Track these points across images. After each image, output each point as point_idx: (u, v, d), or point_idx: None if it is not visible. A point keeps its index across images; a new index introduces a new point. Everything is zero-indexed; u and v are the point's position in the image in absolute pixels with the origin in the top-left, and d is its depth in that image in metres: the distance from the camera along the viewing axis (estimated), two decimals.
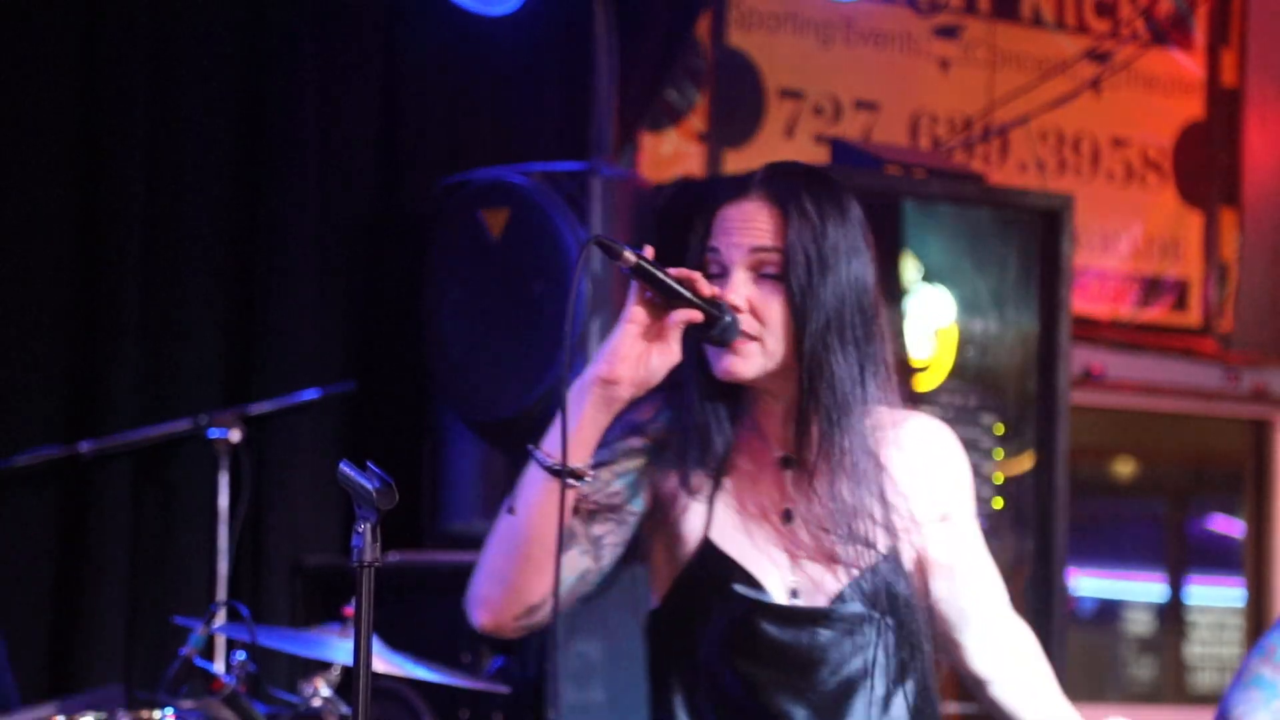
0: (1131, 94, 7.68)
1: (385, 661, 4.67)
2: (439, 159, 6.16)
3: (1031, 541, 6.06)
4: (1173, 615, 8.09)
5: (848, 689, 3.02)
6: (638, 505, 3.04)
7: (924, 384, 6.03)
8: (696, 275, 2.98)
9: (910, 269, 6.10)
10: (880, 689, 3.05)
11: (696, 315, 2.95)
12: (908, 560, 3.09)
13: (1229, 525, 8.22)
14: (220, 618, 4.84)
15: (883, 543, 3.05)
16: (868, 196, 5.81)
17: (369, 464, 2.93)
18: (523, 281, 5.75)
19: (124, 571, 5.64)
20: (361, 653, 2.91)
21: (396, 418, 6.10)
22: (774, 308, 3.02)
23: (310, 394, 5.75)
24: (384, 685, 5.30)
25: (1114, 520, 8.24)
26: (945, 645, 3.19)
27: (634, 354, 2.94)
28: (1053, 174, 7.50)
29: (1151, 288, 7.72)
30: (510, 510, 2.96)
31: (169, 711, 4.46)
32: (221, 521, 5.51)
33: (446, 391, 5.89)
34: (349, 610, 4.72)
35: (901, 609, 3.07)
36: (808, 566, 3.04)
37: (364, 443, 5.98)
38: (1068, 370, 6.13)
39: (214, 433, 5.50)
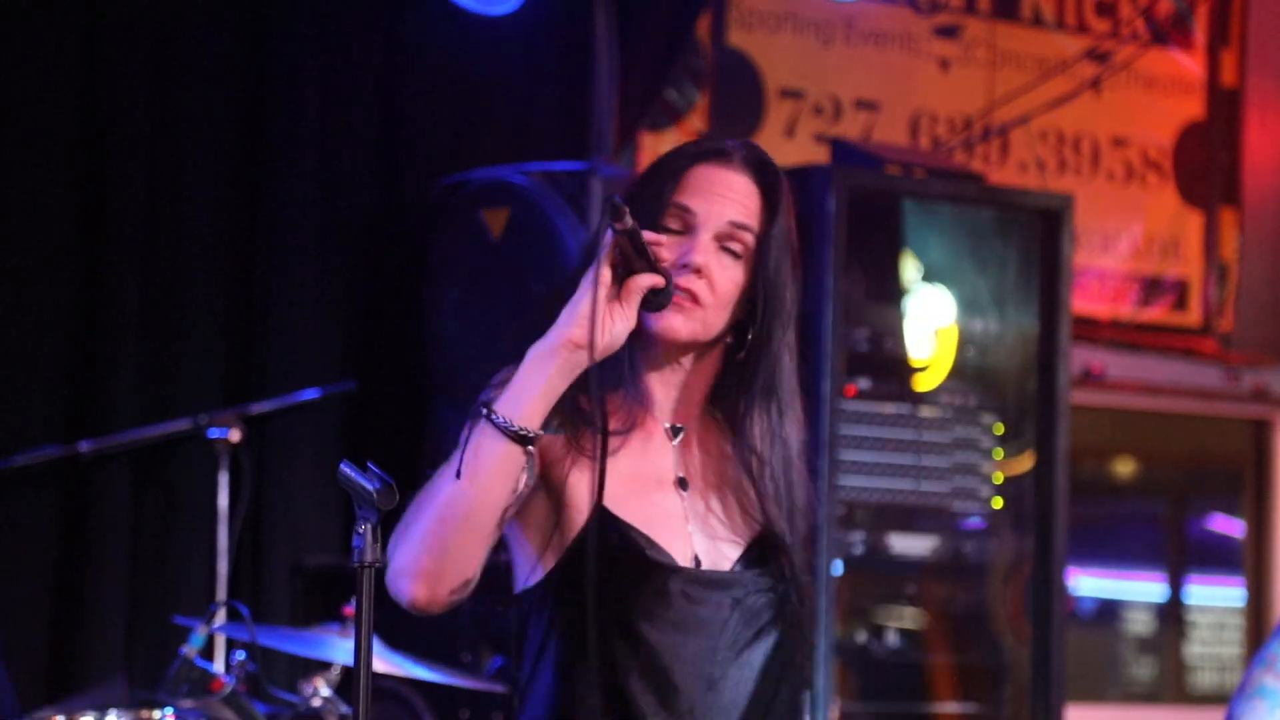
0: (1131, 94, 7.68)
1: (385, 661, 4.67)
2: (439, 159, 6.16)
3: (1031, 541, 6.06)
4: (1173, 615, 8.09)
5: (745, 656, 2.98)
6: (530, 472, 2.94)
7: (924, 384, 6.03)
8: (662, 239, 2.92)
9: (910, 269, 6.10)
10: (771, 659, 3.00)
11: (660, 281, 2.90)
12: (788, 545, 3.06)
13: (1229, 525, 8.22)
14: (220, 617, 4.85)
15: (770, 517, 3.03)
16: (868, 196, 5.87)
17: (369, 464, 2.93)
18: (523, 281, 5.75)
19: (124, 571, 5.64)
20: (361, 653, 2.91)
21: (396, 418, 6.10)
22: (728, 284, 2.98)
23: (310, 394, 5.75)
24: (384, 685, 5.30)
25: (1114, 520, 8.24)
26: None
27: (601, 314, 2.87)
28: (1053, 174, 7.50)
29: (1151, 288, 7.72)
30: (457, 475, 2.85)
31: (169, 711, 4.46)
32: (221, 521, 5.51)
33: (447, 391, 5.89)
34: (349, 610, 4.73)
35: (789, 582, 3.02)
36: (704, 534, 3.01)
37: (364, 443, 5.98)
38: (1068, 370, 6.13)
39: (214, 433, 5.50)
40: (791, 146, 6.97)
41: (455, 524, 2.87)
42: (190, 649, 4.65)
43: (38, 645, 5.56)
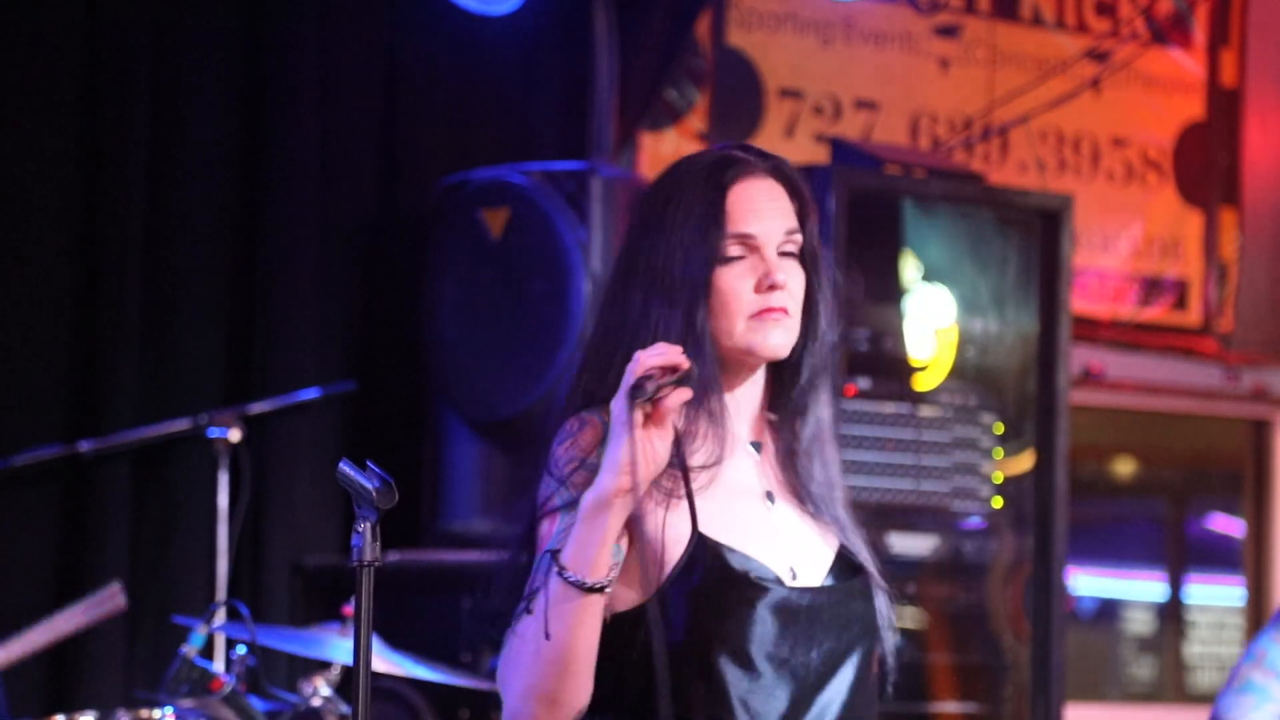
0: (1131, 94, 7.68)
1: (385, 661, 4.67)
2: (439, 159, 6.16)
3: (1031, 541, 6.06)
4: (1172, 615, 8.09)
5: (837, 665, 3.01)
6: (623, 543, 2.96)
7: (924, 384, 6.03)
8: (680, 357, 2.89)
9: (910, 269, 6.10)
10: (863, 664, 3.03)
11: (688, 394, 2.90)
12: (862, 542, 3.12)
13: (1229, 525, 8.22)
14: (220, 617, 4.85)
15: (850, 520, 3.10)
16: (868, 196, 5.87)
17: (369, 464, 2.93)
18: (523, 281, 5.75)
19: (124, 571, 5.64)
20: (361, 652, 2.91)
21: (396, 418, 6.10)
22: (800, 288, 3.04)
23: (310, 394, 5.75)
24: (384, 685, 5.30)
25: (1114, 520, 8.24)
26: None
27: (642, 459, 2.87)
28: (1053, 174, 7.50)
29: (1151, 287, 7.72)
30: (546, 636, 2.86)
31: (169, 711, 4.46)
32: (221, 521, 5.51)
33: (446, 391, 5.89)
34: (349, 610, 4.73)
35: (874, 584, 3.08)
36: (797, 546, 3.03)
37: (364, 443, 5.99)
38: (1067, 370, 6.13)
39: (214, 432, 5.50)
40: (791, 146, 6.97)
41: (559, 677, 2.88)
42: (190, 648, 4.64)
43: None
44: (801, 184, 3.07)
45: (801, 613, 2.98)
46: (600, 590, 2.88)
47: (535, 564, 2.94)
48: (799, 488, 3.09)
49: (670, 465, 2.94)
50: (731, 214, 3.01)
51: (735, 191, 3.02)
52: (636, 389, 2.85)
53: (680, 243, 2.98)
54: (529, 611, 2.89)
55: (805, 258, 3.05)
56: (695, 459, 2.98)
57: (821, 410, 3.10)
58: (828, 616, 3.01)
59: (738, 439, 3.06)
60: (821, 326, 3.08)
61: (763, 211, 3.02)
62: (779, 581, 2.97)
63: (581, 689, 2.91)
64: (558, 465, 2.96)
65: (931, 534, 6.01)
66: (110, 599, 5.08)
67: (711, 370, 2.98)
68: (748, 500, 3.04)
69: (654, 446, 2.88)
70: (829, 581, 3.03)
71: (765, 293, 2.99)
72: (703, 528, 2.96)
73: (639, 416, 2.87)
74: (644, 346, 2.93)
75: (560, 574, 2.87)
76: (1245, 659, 4.90)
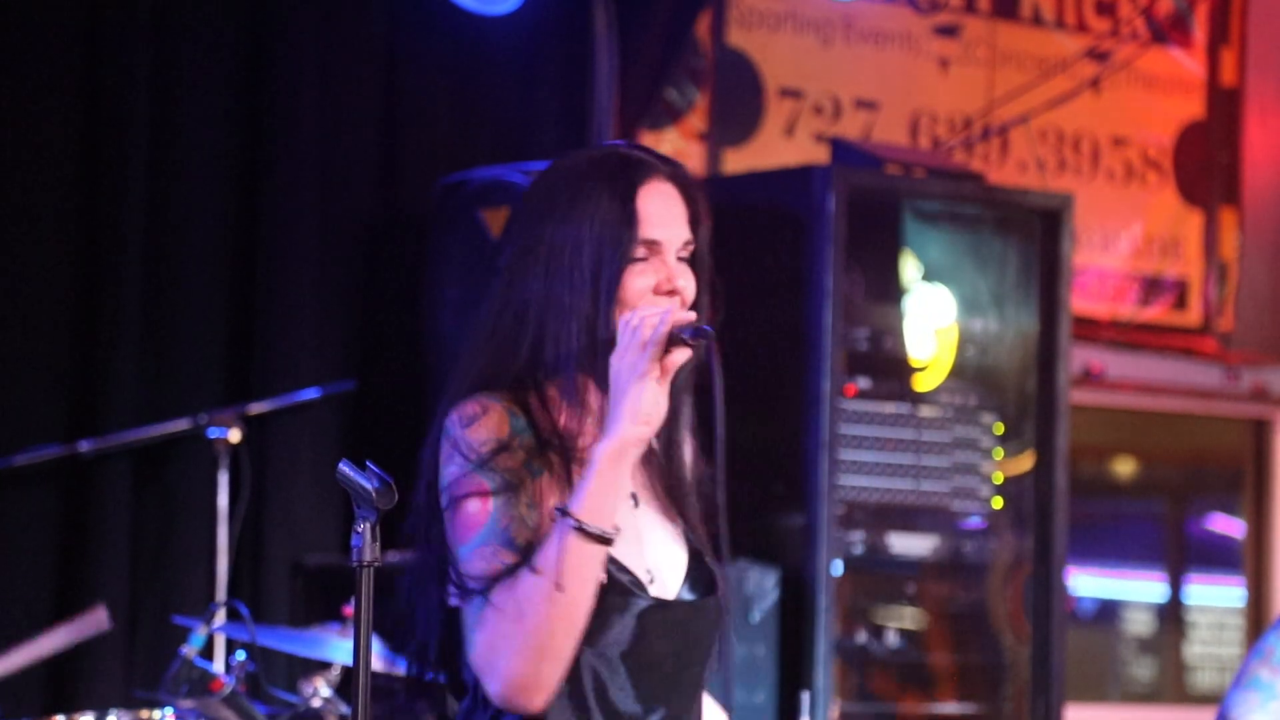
0: (1131, 93, 7.68)
1: (385, 661, 4.67)
2: (439, 159, 6.16)
3: (1031, 541, 6.06)
4: (1172, 615, 8.09)
5: (685, 670, 3.05)
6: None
7: (924, 384, 6.03)
8: (690, 314, 3.01)
9: (910, 268, 6.10)
10: (707, 677, 3.09)
11: (689, 353, 3.00)
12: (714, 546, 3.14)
13: (1229, 525, 8.22)
14: (220, 617, 4.85)
15: (705, 528, 3.12)
16: (868, 195, 5.87)
17: (369, 464, 2.93)
18: None
19: (124, 571, 5.64)
20: (361, 653, 2.91)
21: (396, 418, 6.10)
22: (691, 292, 3.08)
23: (310, 394, 5.75)
24: (384, 685, 5.30)
25: (1114, 520, 8.24)
26: None
27: (657, 409, 2.96)
28: (1053, 173, 7.49)
29: (1151, 287, 7.72)
30: (559, 589, 2.89)
31: (169, 711, 4.46)
32: (221, 521, 5.51)
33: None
34: (349, 610, 4.72)
35: (721, 597, 3.10)
36: (655, 551, 3.06)
37: (364, 443, 5.98)
38: (1067, 370, 6.13)
39: (214, 432, 5.50)
40: (791, 146, 6.97)
41: (569, 633, 2.92)
42: (190, 649, 4.64)
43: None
44: (696, 191, 3.11)
45: (658, 622, 3.01)
46: (610, 541, 2.93)
47: (479, 539, 2.94)
48: (657, 487, 3.12)
49: (560, 454, 2.99)
50: (641, 217, 3.05)
51: (644, 194, 3.06)
52: (677, 336, 2.94)
53: (591, 237, 3.02)
54: (534, 571, 2.90)
55: (693, 263, 3.09)
56: (584, 451, 3.01)
57: (680, 410, 3.11)
58: (680, 628, 3.04)
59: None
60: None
61: (667, 218, 3.06)
62: (639, 586, 3.00)
63: (575, 649, 2.94)
64: (471, 449, 2.98)
65: (931, 534, 6.01)
66: (94, 620, 5.07)
67: (604, 365, 3.00)
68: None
69: (662, 400, 2.96)
70: (685, 594, 3.06)
71: (664, 296, 3.03)
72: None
73: (657, 369, 2.94)
74: (548, 334, 3.01)
75: (577, 527, 2.90)
76: (1253, 656, 4.90)
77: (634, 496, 3.07)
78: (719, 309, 3.14)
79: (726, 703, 3.20)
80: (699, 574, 3.09)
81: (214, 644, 5.26)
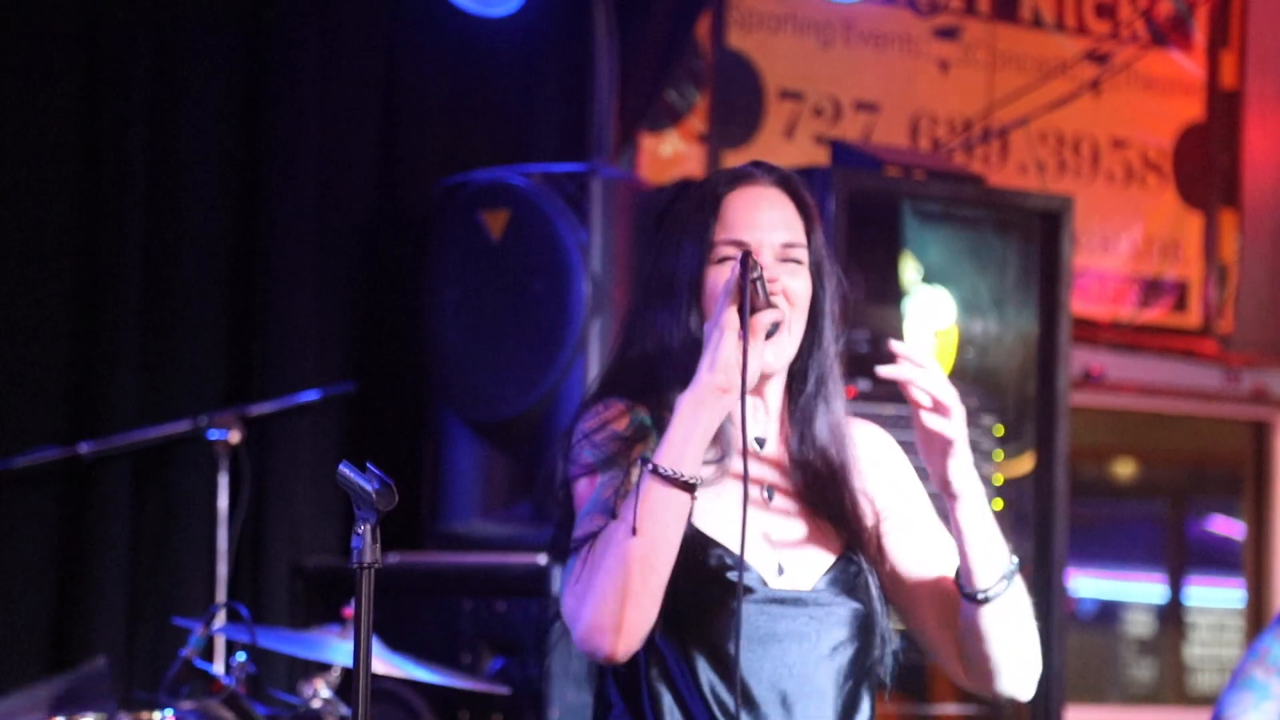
0: (1131, 95, 7.68)
1: (385, 662, 4.67)
2: (439, 159, 6.16)
3: (1031, 542, 6.06)
4: (1173, 616, 8.09)
5: (819, 669, 3.04)
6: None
7: None
8: (776, 278, 3.03)
9: (910, 270, 6.10)
10: (849, 680, 3.07)
11: (781, 314, 3.03)
12: (875, 551, 3.14)
13: (1229, 526, 8.22)
14: (220, 619, 4.85)
15: (858, 526, 3.12)
16: (868, 197, 5.87)
17: (369, 465, 2.93)
18: (523, 281, 5.75)
19: (124, 572, 5.64)
20: (361, 653, 2.91)
21: (396, 418, 6.10)
22: (801, 290, 3.10)
23: (310, 394, 5.75)
24: (384, 686, 5.30)
25: (1114, 521, 8.24)
26: (939, 638, 3.19)
27: (738, 360, 2.97)
28: (1053, 175, 7.50)
29: (1151, 289, 7.73)
30: (634, 532, 2.92)
31: (169, 712, 4.46)
32: (221, 522, 5.51)
33: (446, 391, 5.89)
34: (349, 611, 4.73)
35: (875, 599, 3.11)
36: (790, 546, 3.07)
37: (364, 443, 5.99)
38: (1067, 371, 6.13)
39: (214, 433, 5.50)
40: (791, 148, 6.97)
41: (644, 576, 2.94)
42: (190, 650, 4.65)
43: (38, 645, 5.56)
44: (808, 196, 3.13)
45: (785, 614, 3.01)
46: (691, 489, 2.94)
47: (584, 511, 2.99)
48: (804, 489, 3.12)
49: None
50: (726, 219, 3.07)
51: (732, 198, 3.09)
52: (750, 260, 2.96)
53: (674, 244, 3.07)
54: (615, 517, 2.94)
55: (810, 269, 3.10)
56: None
57: (833, 417, 3.14)
58: (815, 621, 3.04)
59: (747, 437, 3.08)
60: (826, 336, 3.14)
61: (758, 219, 3.07)
62: (763, 582, 3.02)
63: (657, 600, 2.95)
64: (584, 434, 3.05)
65: None
66: (96, 677, 5.06)
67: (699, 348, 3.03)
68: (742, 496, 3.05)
69: (750, 355, 2.97)
70: (822, 586, 3.06)
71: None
72: (696, 521, 2.99)
73: (734, 317, 2.96)
74: (643, 346, 3.07)
75: (654, 470, 2.94)
76: (1248, 656, 4.91)
77: (768, 491, 3.10)
78: (848, 313, 3.15)
79: None
80: (844, 576, 3.08)
81: (214, 645, 5.25)
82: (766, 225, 3.07)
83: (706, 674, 2.99)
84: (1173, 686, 8.10)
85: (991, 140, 7.36)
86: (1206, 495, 8.32)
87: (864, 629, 3.09)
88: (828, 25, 7.12)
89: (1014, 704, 6.04)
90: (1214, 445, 8.24)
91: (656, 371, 3.07)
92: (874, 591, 3.11)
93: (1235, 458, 8.19)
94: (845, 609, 3.07)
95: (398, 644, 4.80)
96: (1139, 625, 8.10)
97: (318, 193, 6.00)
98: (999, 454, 6.09)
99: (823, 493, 3.12)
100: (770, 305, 3.01)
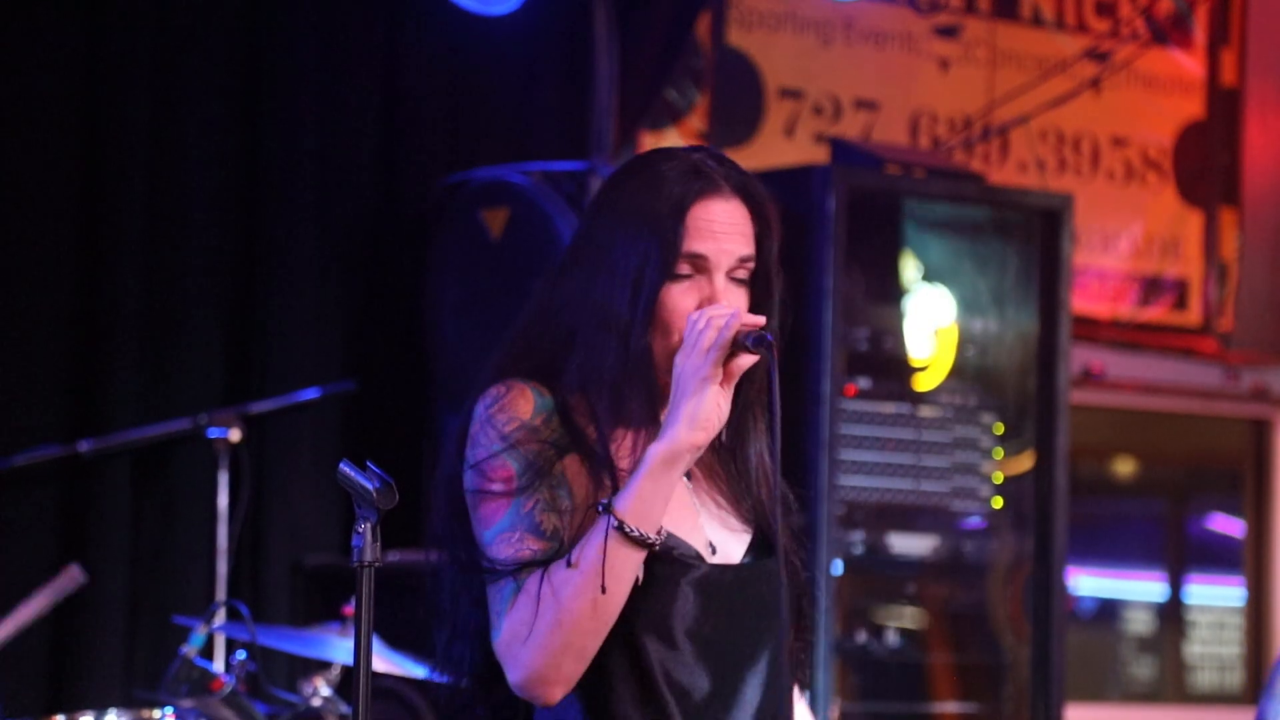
0: (1131, 93, 7.68)
1: (385, 661, 4.67)
2: (439, 159, 6.16)
3: (1031, 541, 6.06)
4: (1172, 615, 8.09)
5: (759, 644, 3.00)
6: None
7: (924, 384, 6.03)
8: (758, 317, 2.94)
9: (910, 269, 6.10)
10: (777, 650, 3.02)
11: (755, 358, 2.94)
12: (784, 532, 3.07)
13: (1229, 525, 8.22)
14: (220, 617, 4.85)
15: (766, 511, 3.06)
16: (868, 196, 5.87)
17: (369, 463, 2.93)
18: (523, 281, 5.74)
19: (124, 571, 5.64)
20: (361, 652, 2.91)
21: (396, 418, 6.10)
22: (741, 308, 3.02)
23: (310, 394, 5.75)
24: (384, 685, 5.30)
25: (1114, 520, 8.24)
26: None
27: (719, 416, 2.91)
28: (1053, 173, 7.50)
29: (1151, 287, 7.72)
30: (603, 590, 2.86)
31: (169, 711, 4.46)
32: (221, 521, 5.51)
33: (447, 391, 5.89)
34: (349, 610, 4.73)
35: (791, 572, 3.05)
36: (715, 524, 3.04)
37: (364, 442, 5.98)
38: (1067, 370, 6.13)
39: (214, 432, 5.50)
40: (791, 146, 6.97)
41: (598, 633, 2.89)
42: (190, 649, 4.65)
43: (38, 645, 5.56)
44: (766, 206, 3.04)
45: (723, 590, 2.98)
46: (654, 547, 2.89)
47: (504, 523, 2.91)
48: (719, 471, 3.08)
49: (585, 448, 2.95)
50: (689, 230, 2.98)
51: (699, 208, 2.99)
52: (740, 343, 2.89)
53: (635, 247, 2.97)
54: (570, 565, 2.87)
55: (757, 281, 3.03)
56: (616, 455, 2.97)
57: (758, 440, 3.07)
58: (749, 595, 3.00)
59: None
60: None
61: (719, 234, 2.99)
62: (699, 558, 2.97)
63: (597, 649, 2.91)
64: (496, 430, 2.95)
65: (931, 534, 6.01)
66: (69, 580, 5.07)
67: (637, 377, 2.96)
68: None
69: (723, 405, 2.91)
70: (748, 560, 3.02)
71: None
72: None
73: (720, 373, 2.89)
74: (582, 330, 2.97)
75: (620, 528, 2.87)
76: None
77: (687, 474, 3.01)
78: (785, 323, 3.06)
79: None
80: (762, 548, 3.04)
81: (214, 644, 5.26)
82: (724, 239, 2.99)
83: (659, 656, 2.94)
84: (1173, 685, 8.09)
85: (991, 138, 7.36)
86: (1206, 494, 8.31)
87: (786, 595, 3.02)
88: (828, 23, 7.12)
89: (1014, 702, 6.05)
90: (1214, 444, 8.24)
91: (574, 365, 2.98)
92: (791, 570, 3.05)
93: (1235, 456, 8.18)
94: (771, 572, 3.00)
95: (398, 642, 4.80)
96: (1139, 623, 8.10)
97: (318, 192, 6.00)
98: (999, 452, 6.09)
99: (734, 479, 3.07)
100: (750, 349, 2.93)
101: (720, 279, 2.98)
